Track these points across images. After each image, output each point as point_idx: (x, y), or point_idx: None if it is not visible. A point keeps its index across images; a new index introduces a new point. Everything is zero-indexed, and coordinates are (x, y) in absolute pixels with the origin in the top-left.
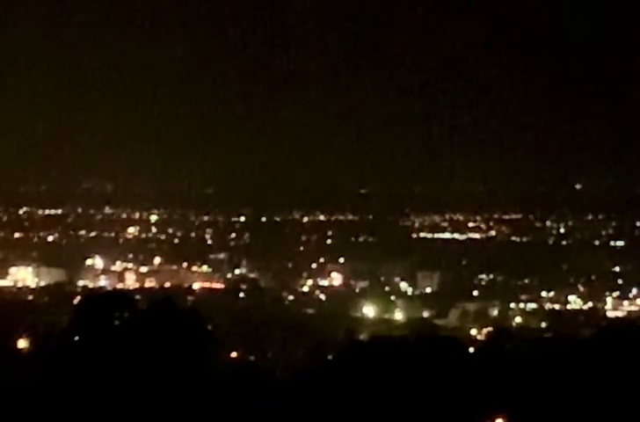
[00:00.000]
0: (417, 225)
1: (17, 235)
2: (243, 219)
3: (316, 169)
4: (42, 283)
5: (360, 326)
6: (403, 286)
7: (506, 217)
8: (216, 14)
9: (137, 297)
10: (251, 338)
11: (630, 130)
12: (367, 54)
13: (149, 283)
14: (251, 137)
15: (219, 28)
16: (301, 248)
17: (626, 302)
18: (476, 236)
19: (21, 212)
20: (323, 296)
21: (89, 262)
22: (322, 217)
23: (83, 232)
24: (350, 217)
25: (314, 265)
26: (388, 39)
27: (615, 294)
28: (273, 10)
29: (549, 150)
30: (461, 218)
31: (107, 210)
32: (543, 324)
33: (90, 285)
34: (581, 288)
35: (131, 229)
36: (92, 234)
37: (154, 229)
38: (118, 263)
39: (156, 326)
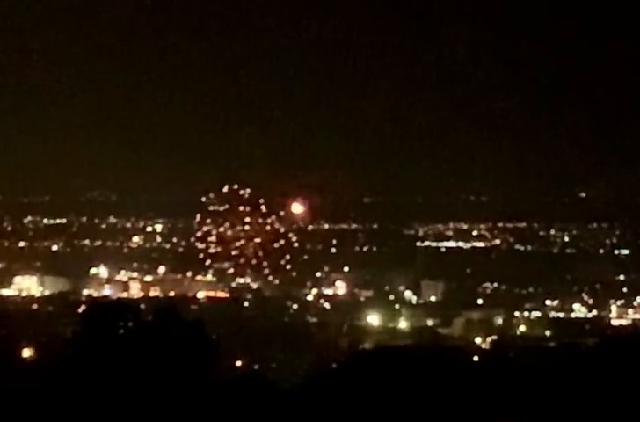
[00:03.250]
0: (421, 234)
1: (21, 244)
2: (247, 228)
3: (320, 177)
4: (47, 292)
5: (365, 335)
6: (408, 294)
7: (511, 226)
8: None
9: (142, 306)
10: (256, 347)
11: (635, 138)
12: (370, 62)
13: (154, 292)
14: (254, 145)
15: (224, 40)
16: (306, 257)
17: (630, 311)
18: (481, 244)
19: (25, 221)
20: (327, 305)
21: (93, 271)
22: (326, 226)
23: (87, 241)
24: (354, 226)
25: (318, 274)
26: (390, 48)
27: (620, 302)
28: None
29: (553, 159)
30: (465, 226)
31: (111, 219)
32: (548, 333)
33: (95, 294)
34: (585, 297)
35: (135, 239)
36: (97, 243)
37: (158, 239)
38: (122, 272)
39: (160, 335)
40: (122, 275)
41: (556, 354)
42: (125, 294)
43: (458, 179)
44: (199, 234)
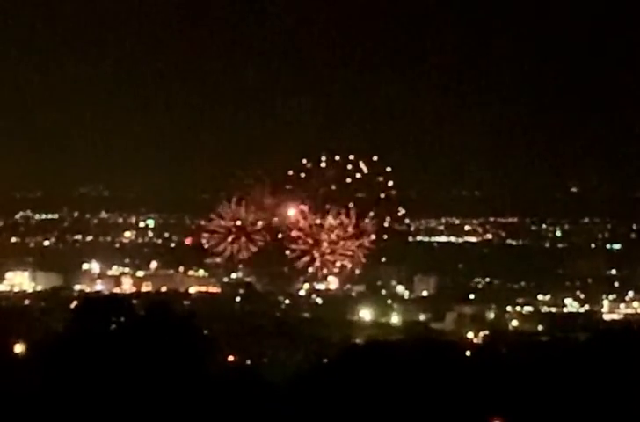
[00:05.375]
0: (413, 229)
1: (13, 240)
2: (239, 223)
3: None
4: (39, 288)
5: (357, 330)
6: (400, 289)
7: (503, 221)
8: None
9: (134, 301)
10: (248, 342)
11: (626, 134)
12: (366, 57)
13: (146, 287)
14: (249, 142)
15: (221, 36)
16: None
17: (622, 305)
18: (473, 239)
19: (17, 217)
20: (319, 300)
21: (85, 266)
22: (318, 221)
23: (79, 237)
24: (346, 221)
25: (310, 269)
26: (388, 44)
27: (612, 297)
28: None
29: (545, 154)
30: (457, 222)
31: (103, 215)
32: (540, 327)
33: (87, 289)
34: (577, 291)
35: (127, 234)
36: (89, 238)
37: (150, 234)
38: (114, 267)
39: (152, 330)
40: (114, 270)
41: (548, 349)
42: (117, 290)
43: (450, 175)
44: None
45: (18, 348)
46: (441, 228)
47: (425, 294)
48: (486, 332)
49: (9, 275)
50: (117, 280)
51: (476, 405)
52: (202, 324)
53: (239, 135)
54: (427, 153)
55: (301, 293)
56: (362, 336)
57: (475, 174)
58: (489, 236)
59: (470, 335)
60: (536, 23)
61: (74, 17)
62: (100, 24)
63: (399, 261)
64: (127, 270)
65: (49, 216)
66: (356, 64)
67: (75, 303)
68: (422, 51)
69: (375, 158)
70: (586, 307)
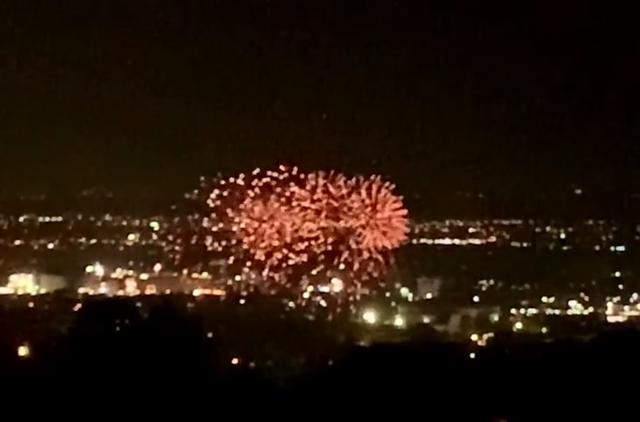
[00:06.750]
0: (417, 231)
1: (17, 242)
2: (242, 225)
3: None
4: (43, 290)
5: (361, 332)
6: (404, 292)
7: (506, 223)
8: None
9: (138, 304)
10: (252, 344)
11: (630, 135)
12: (365, 57)
13: (150, 290)
14: (251, 143)
15: (216, 38)
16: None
17: (626, 307)
18: (477, 241)
19: (21, 219)
20: (323, 303)
21: (89, 269)
22: (322, 223)
23: (83, 239)
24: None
25: (314, 272)
26: (389, 43)
27: (616, 299)
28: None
29: (548, 156)
30: (461, 224)
31: (107, 217)
32: (544, 330)
33: (91, 292)
34: (582, 294)
35: (131, 236)
36: (92, 241)
37: (154, 236)
38: (118, 270)
39: (156, 333)
40: (118, 273)
41: (552, 351)
42: (121, 293)
43: (454, 177)
44: None
45: (22, 351)
46: (445, 230)
47: (429, 296)
48: (490, 335)
49: (13, 278)
50: (121, 283)
51: (481, 408)
52: (206, 327)
53: (242, 137)
54: (430, 155)
55: (306, 295)
56: (367, 338)
57: (478, 176)
58: (493, 239)
59: (474, 337)
60: (538, 23)
61: (74, 20)
62: (100, 27)
63: (403, 263)
64: (131, 273)
65: (53, 219)
66: (357, 64)
67: (79, 306)
68: (423, 50)
69: (374, 162)
70: (590, 309)
